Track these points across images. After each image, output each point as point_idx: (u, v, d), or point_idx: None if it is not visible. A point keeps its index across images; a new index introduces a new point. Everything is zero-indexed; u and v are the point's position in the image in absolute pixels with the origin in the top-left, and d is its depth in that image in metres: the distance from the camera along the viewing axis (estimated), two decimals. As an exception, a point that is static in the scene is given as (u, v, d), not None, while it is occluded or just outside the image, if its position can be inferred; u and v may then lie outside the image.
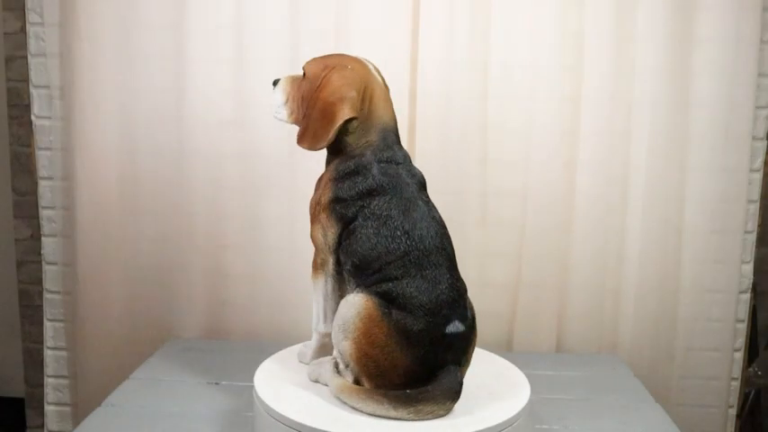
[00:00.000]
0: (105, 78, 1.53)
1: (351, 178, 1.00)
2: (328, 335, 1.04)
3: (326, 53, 1.10)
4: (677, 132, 1.51)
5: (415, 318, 0.92)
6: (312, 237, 1.04)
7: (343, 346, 0.95)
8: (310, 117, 1.03)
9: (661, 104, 1.49)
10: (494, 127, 1.51)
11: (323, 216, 1.02)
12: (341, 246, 1.01)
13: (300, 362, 1.10)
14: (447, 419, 0.92)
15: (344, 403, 0.95)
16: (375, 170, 0.99)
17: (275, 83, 1.09)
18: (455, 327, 0.95)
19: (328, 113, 1.00)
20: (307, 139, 1.03)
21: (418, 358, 0.92)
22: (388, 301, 0.94)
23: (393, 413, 0.91)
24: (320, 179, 1.05)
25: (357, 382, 0.96)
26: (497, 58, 1.49)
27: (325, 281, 1.04)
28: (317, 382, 1.03)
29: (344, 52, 1.13)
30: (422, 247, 0.96)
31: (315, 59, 1.07)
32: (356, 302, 0.95)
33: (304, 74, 1.06)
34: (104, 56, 1.52)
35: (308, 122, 1.03)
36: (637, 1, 1.47)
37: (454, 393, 0.92)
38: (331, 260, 1.03)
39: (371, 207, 0.98)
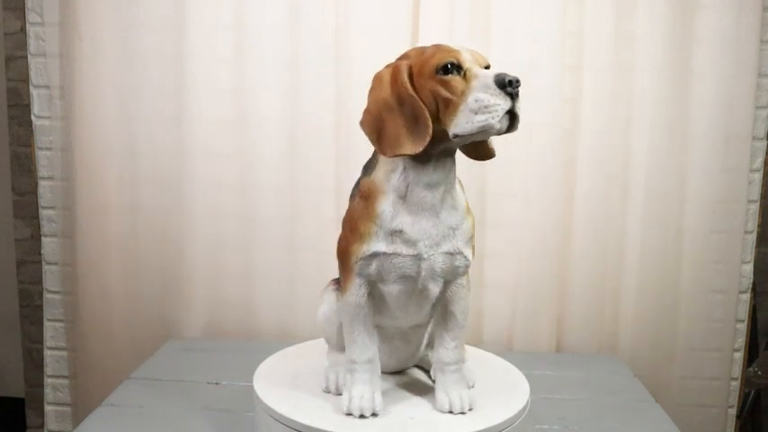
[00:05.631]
0: (105, 78, 1.53)
1: None
2: None
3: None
4: (677, 132, 1.51)
5: None
6: (472, 254, 0.94)
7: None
8: None
9: (661, 104, 1.49)
10: (494, 127, 1.51)
11: None
12: None
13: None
14: (447, 419, 0.92)
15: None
16: None
17: (517, 83, 0.80)
18: None
19: None
20: None
21: None
22: None
23: None
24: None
25: None
26: (497, 58, 1.49)
27: None
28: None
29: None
30: None
31: None
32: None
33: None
34: (104, 56, 1.53)
35: None
36: (637, 1, 1.47)
37: None
38: None
39: None
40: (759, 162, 1.57)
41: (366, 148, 1.47)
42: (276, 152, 1.54)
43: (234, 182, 1.56)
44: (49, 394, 1.71)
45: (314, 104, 1.51)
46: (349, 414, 0.91)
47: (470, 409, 0.94)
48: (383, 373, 1.00)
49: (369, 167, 0.92)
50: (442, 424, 0.91)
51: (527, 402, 0.98)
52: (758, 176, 1.57)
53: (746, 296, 1.61)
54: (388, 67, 0.87)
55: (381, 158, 0.90)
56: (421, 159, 0.86)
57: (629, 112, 1.51)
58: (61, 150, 1.61)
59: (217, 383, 1.30)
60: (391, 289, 0.91)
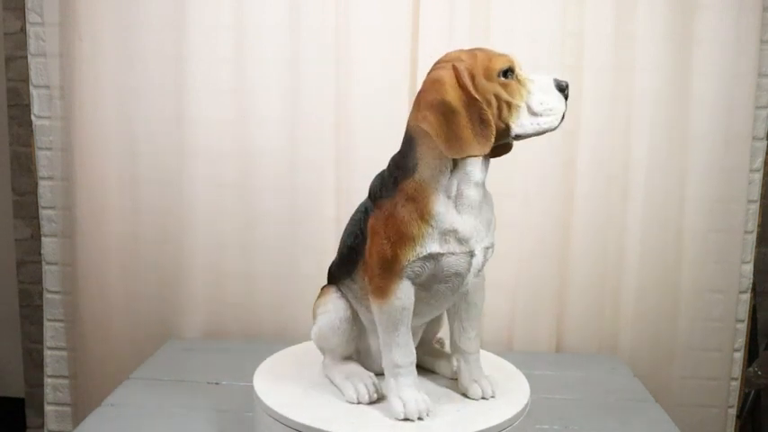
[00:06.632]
0: (105, 78, 1.53)
1: None
2: None
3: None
4: (677, 132, 1.51)
5: None
6: None
7: None
8: None
9: (661, 104, 1.49)
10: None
11: None
12: None
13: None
14: (447, 419, 0.92)
15: None
16: None
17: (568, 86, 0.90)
18: None
19: None
20: None
21: None
22: None
23: None
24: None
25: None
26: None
27: None
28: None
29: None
30: None
31: None
32: None
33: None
34: (104, 56, 1.52)
35: None
36: (637, 1, 1.47)
37: None
38: None
39: None
40: (759, 162, 1.57)
41: (366, 149, 1.48)
42: (276, 152, 1.54)
43: (234, 182, 1.56)
44: (49, 394, 1.71)
45: (314, 104, 1.51)
46: (406, 420, 0.90)
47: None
48: None
49: (407, 169, 0.90)
50: (442, 424, 0.91)
51: (527, 402, 0.99)
52: (758, 176, 1.57)
53: (746, 296, 1.61)
54: (442, 68, 0.87)
55: (423, 159, 0.88)
56: (470, 159, 0.88)
57: (629, 112, 1.51)
58: (61, 150, 1.61)
59: (217, 383, 1.30)
60: (437, 288, 0.92)
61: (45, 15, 1.56)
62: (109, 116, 1.55)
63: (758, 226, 1.59)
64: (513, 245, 1.54)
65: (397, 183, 0.90)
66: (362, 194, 1.01)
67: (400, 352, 0.92)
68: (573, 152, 1.52)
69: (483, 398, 0.97)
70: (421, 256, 0.87)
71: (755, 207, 1.58)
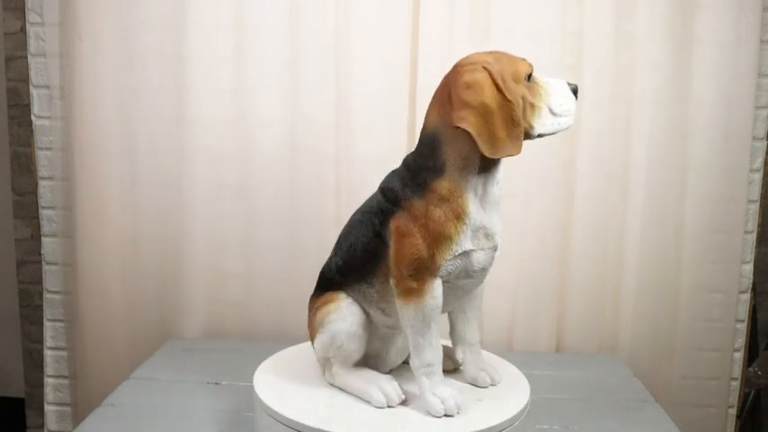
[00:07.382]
0: (105, 78, 1.53)
1: None
2: None
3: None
4: (677, 132, 1.51)
5: None
6: None
7: None
8: None
9: (661, 104, 1.49)
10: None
11: None
12: None
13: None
14: (446, 420, 0.92)
15: None
16: None
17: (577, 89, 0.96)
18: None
19: None
20: None
21: None
22: None
23: None
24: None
25: None
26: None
27: None
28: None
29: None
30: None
31: None
32: None
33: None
34: (104, 56, 1.52)
35: None
36: (637, 1, 1.47)
37: None
38: None
39: None
40: (759, 162, 1.57)
41: (366, 149, 1.48)
42: (276, 152, 1.54)
43: (234, 182, 1.56)
44: (49, 394, 1.71)
45: (314, 104, 1.51)
46: (447, 416, 0.91)
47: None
48: (390, 371, 1.03)
49: (434, 169, 0.90)
50: (442, 424, 0.91)
51: (527, 402, 0.99)
52: (758, 176, 1.57)
53: (746, 296, 1.61)
54: (475, 71, 0.87)
55: (450, 159, 0.89)
56: (493, 159, 0.90)
57: (629, 112, 1.51)
58: (61, 150, 1.61)
59: (217, 383, 1.30)
60: (462, 284, 0.94)
61: (45, 15, 1.56)
62: (109, 116, 1.55)
63: (758, 226, 1.59)
64: (513, 245, 1.54)
65: (425, 183, 0.90)
66: (362, 194, 1.01)
67: (432, 351, 0.93)
68: (573, 152, 1.52)
69: (492, 384, 1.02)
70: (457, 253, 0.90)
71: (755, 207, 1.58)
